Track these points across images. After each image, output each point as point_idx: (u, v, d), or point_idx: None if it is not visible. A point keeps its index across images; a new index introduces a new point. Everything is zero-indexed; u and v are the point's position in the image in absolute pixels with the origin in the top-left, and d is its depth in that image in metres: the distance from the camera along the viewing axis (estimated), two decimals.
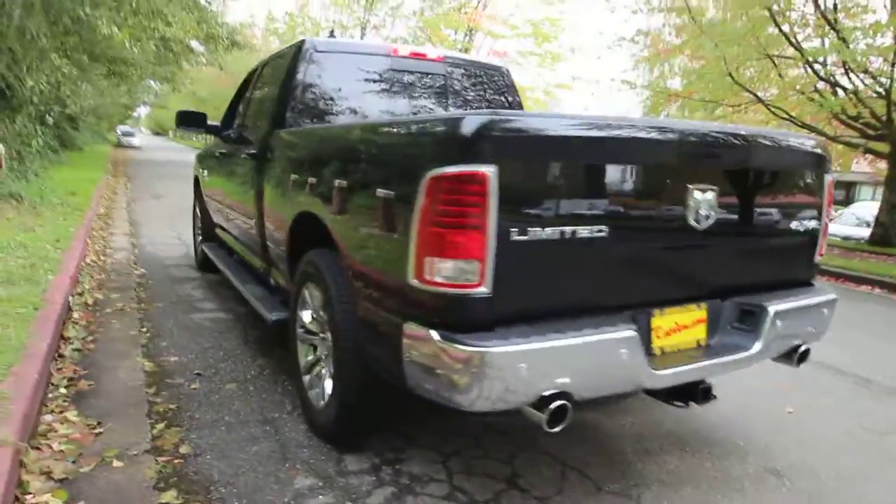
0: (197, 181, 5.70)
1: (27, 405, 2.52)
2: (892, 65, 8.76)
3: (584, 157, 1.83)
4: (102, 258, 5.81)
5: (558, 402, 1.72)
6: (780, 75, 11.05)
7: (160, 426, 2.60)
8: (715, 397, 2.24)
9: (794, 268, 2.48)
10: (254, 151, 3.45)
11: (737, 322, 2.23)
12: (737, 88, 11.29)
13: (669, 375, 1.95)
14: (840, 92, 10.38)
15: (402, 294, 1.81)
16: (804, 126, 11.24)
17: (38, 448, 2.33)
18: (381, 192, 1.92)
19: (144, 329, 3.87)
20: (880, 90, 9.01)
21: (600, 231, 1.82)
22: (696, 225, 2.03)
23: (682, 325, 2.12)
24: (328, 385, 2.48)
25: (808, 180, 2.42)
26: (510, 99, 4.07)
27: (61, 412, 2.64)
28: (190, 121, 4.72)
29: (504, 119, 1.66)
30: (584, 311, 1.88)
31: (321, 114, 3.41)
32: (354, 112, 3.49)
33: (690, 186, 2.00)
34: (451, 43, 21.01)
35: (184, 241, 7.06)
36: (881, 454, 2.74)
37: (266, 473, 2.28)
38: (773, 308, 2.19)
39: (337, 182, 2.25)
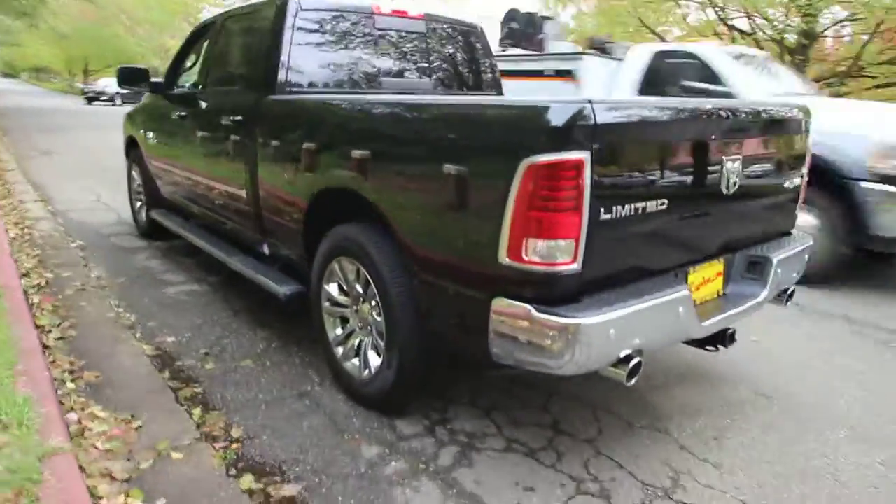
0: (132, 142, 5.28)
1: (54, 406, 2.40)
2: (786, 13, 9.51)
3: (661, 138, 2.02)
4: (27, 231, 5.30)
5: (635, 360, 1.92)
6: (684, 18, 11.67)
7: (197, 412, 2.56)
8: (736, 340, 2.55)
9: (784, 220, 2.82)
10: (239, 118, 3.27)
11: (746, 272, 2.53)
12: (645, 31, 11.81)
13: (711, 325, 2.22)
14: (738, 36, 11.16)
15: (490, 272, 1.91)
16: None
17: (83, 450, 2.24)
18: (454, 172, 1.96)
19: (121, 309, 3.67)
20: (776, 35, 9.78)
21: (663, 204, 1.99)
22: (725, 191, 2.27)
23: (707, 279, 2.39)
24: (373, 356, 2.55)
25: (798, 141, 2.73)
26: (487, 60, 4.10)
27: (83, 409, 2.51)
28: (133, 78, 4.38)
29: (597, 106, 1.75)
30: (642, 276, 2.08)
31: (313, 79, 3.29)
32: (347, 77, 3.39)
33: (725, 157, 2.22)
34: None
35: (109, 206, 6.55)
36: (835, 372, 3.25)
37: (331, 447, 2.35)
38: (776, 258, 2.51)
39: (397, 161, 2.27)
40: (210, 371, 2.95)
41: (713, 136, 2.19)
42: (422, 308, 2.27)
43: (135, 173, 5.38)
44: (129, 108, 5.77)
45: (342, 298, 2.72)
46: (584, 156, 1.73)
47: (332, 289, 2.75)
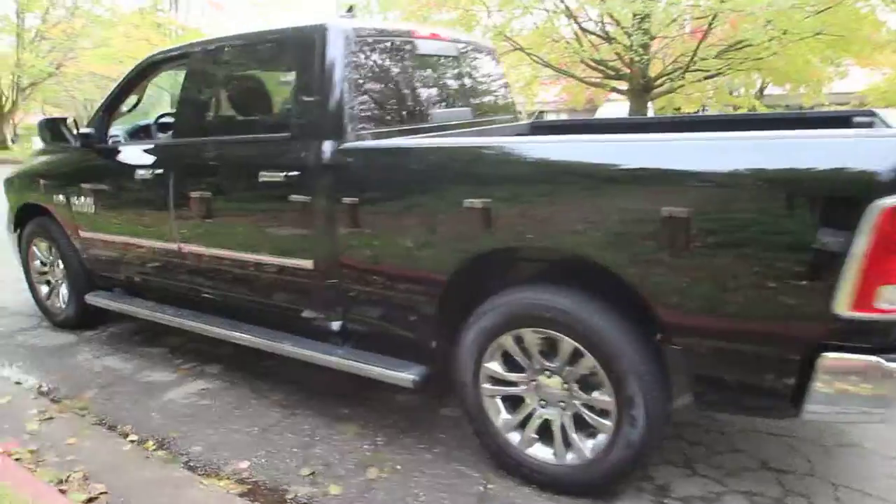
0: (27, 212, 4.08)
1: None
2: (640, 19, 10.45)
3: None
4: None
5: None
6: (535, 24, 12.29)
7: None
8: None
9: None
10: (296, 174, 2.63)
11: None
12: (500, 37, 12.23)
13: None
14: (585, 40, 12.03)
15: (816, 327, 1.71)
16: (558, 70, 12.83)
17: None
18: (764, 220, 1.72)
19: (134, 437, 2.77)
20: (628, 41, 10.69)
21: None
22: None
23: None
24: (580, 438, 2.19)
25: None
26: (503, 81, 3.83)
27: None
28: (57, 131, 3.42)
29: None
30: None
31: (377, 117, 2.78)
32: (406, 111, 2.91)
33: None
34: None
35: None
36: None
37: None
38: None
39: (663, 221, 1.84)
40: (341, 495, 2.33)
41: None
42: (680, 377, 1.99)
43: (37, 250, 4.17)
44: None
45: (513, 376, 2.30)
46: None
47: (495, 366, 2.32)
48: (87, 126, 3.57)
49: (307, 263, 2.70)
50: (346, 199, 2.52)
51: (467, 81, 3.42)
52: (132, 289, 3.75)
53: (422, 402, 3.01)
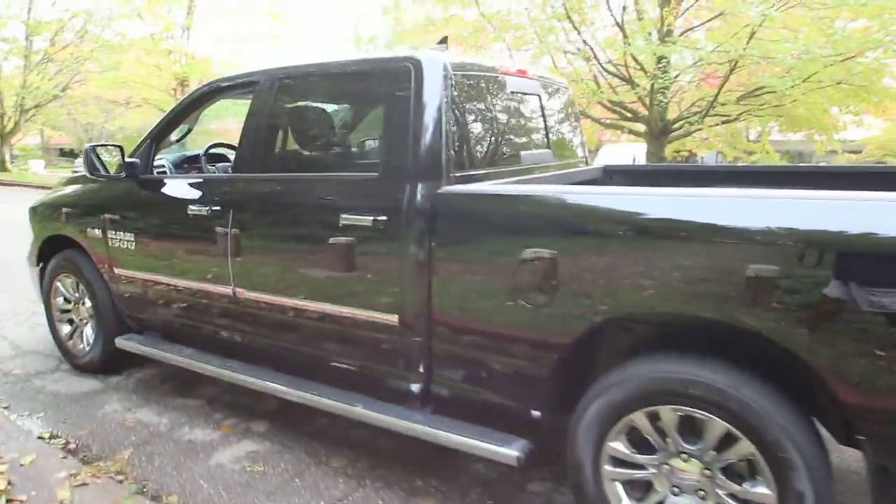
0: (54, 244, 3.78)
1: None
2: (660, 62, 10.45)
3: None
4: None
5: None
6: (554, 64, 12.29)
7: None
8: None
9: None
10: (383, 218, 2.36)
11: None
12: None
13: None
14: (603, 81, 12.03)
15: None
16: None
17: None
18: None
19: None
20: (651, 82, 10.67)
21: None
22: None
23: None
24: None
25: None
26: (577, 120, 3.63)
27: None
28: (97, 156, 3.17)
29: None
30: None
31: (473, 158, 2.54)
32: (499, 152, 2.68)
33: None
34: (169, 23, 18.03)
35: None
36: None
37: None
38: None
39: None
40: None
41: None
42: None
43: (62, 286, 3.85)
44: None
45: (643, 458, 2.01)
46: None
47: (620, 445, 2.03)
48: (132, 155, 3.29)
49: (391, 318, 2.41)
50: (445, 250, 2.26)
51: (549, 121, 3.20)
52: (168, 333, 3.44)
53: (502, 472, 2.69)
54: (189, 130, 3.56)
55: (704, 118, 11.14)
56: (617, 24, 10.84)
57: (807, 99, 10.58)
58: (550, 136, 3.20)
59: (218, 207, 2.88)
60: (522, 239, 2.12)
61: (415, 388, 2.50)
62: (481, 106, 2.66)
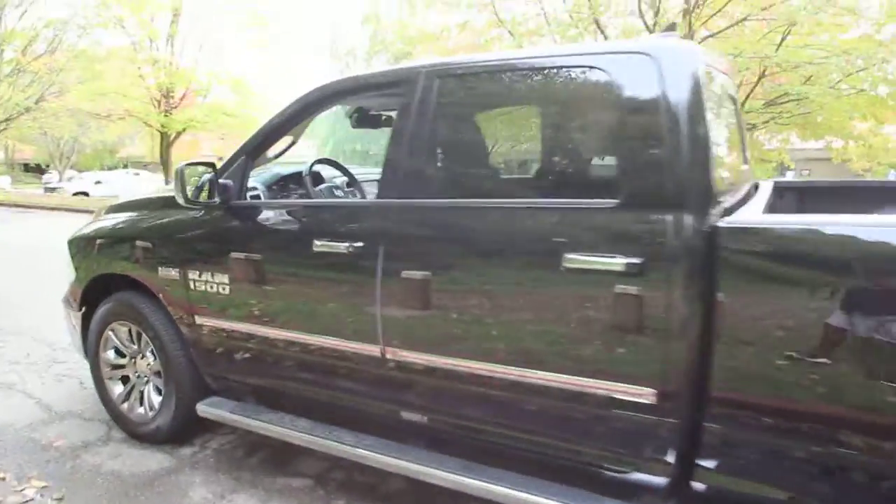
0: (98, 285, 3.09)
1: None
2: None
3: None
4: None
5: None
6: None
7: None
8: None
9: None
10: (636, 261, 1.75)
11: None
12: None
13: None
14: None
15: None
16: None
17: None
18: None
19: None
20: None
21: None
22: None
23: None
24: None
25: None
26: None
27: None
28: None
29: None
30: None
31: (726, 180, 1.96)
32: (735, 171, 2.11)
33: None
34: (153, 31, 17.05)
35: (12, 387, 3.86)
36: None
37: None
38: None
39: None
40: None
41: None
42: None
43: (114, 336, 3.14)
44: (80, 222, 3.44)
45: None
46: None
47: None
48: (222, 175, 2.62)
49: (641, 391, 1.80)
50: (739, 302, 1.66)
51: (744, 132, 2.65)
52: (267, 398, 2.76)
53: None
54: (292, 144, 2.90)
55: None
56: (646, 26, 10.43)
57: (833, 105, 10.32)
58: (745, 146, 2.65)
59: (361, 243, 2.23)
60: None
61: (656, 480, 1.90)
62: (720, 113, 2.09)
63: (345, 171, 3.24)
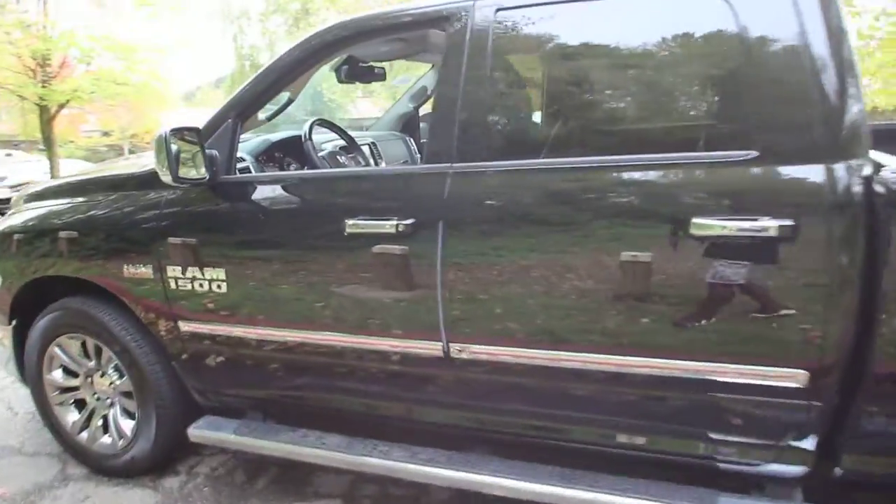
0: (36, 294, 2.46)
1: None
2: None
3: None
4: None
5: None
6: None
7: None
8: None
9: None
10: (786, 223, 1.46)
11: None
12: None
13: None
14: None
15: None
16: None
17: None
18: None
19: None
20: None
21: None
22: None
23: None
24: None
25: None
26: None
27: None
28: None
29: None
30: None
31: None
32: None
33: None
34: None
35: None
36: None
37: None
38: None
39: None
40: None
41: None
42: None
43: (62, 353, 2.52)
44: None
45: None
46: None
47: None
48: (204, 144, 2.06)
49: (796, 374, 1.54)
50: None
51: None
52: (280, 413, 2.29)
53: None
54: (289, 102, 2.35)
55: None
56: None
57: None
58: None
59: (411, 220, 1.80)
60: None
61: (793, 470, 1.67)
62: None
63: (343, 134, 2.73)
